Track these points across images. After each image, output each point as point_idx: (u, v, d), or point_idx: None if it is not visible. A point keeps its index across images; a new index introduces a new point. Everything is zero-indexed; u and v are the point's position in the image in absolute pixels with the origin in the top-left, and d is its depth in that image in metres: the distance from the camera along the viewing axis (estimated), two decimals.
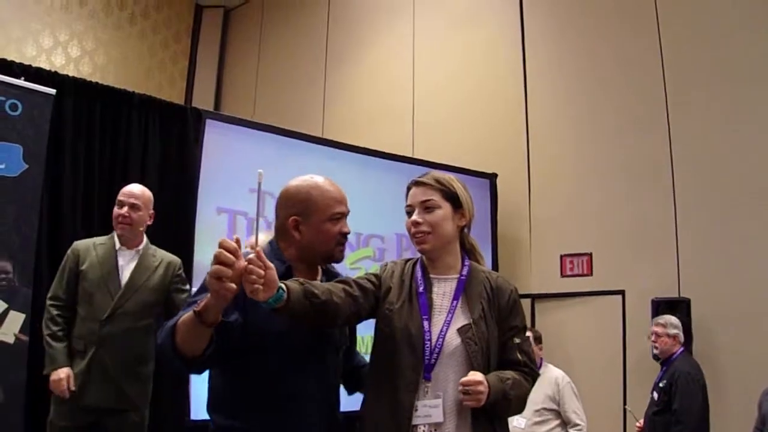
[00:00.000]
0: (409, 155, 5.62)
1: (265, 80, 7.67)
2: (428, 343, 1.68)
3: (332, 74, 7.03)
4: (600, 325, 4.89)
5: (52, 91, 3.73)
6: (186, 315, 1.52)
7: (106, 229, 3.27)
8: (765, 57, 4.44)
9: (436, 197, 1.79)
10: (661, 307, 4.37)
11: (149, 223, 3.15)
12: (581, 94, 5.32)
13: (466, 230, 1.88)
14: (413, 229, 1.79)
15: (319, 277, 1.84)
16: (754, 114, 4.44)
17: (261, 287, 1.44)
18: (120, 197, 3.08)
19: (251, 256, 1.44)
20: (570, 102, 5.39)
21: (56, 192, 4.23)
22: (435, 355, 1.67)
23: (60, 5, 6.88)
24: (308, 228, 1.77)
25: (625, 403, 4.64)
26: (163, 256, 3.16)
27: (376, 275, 1.82)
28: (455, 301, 1.75)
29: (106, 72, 7.06)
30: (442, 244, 1.80)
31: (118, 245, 3.05)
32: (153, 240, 3.21)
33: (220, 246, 1.43)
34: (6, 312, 3.29)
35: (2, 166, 3.43)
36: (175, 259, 3.19)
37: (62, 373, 2.82)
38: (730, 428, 3.98)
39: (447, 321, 1.72)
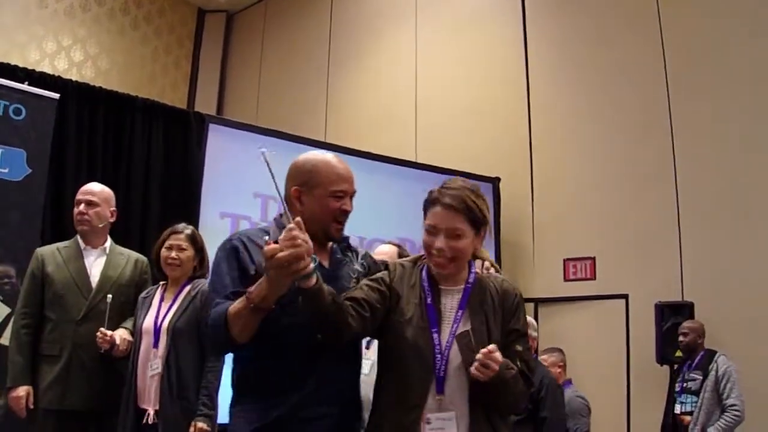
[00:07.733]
0: (412, 159, 5.60)
1: (267, 84, 7.67)
2: (439, 356, 1.66)
3: (335, 79, 7.04)
4: (603, 329, 4.88)
5: (56, 95, 3.74)
6: (239, 306, 1.57)
7: (111, 233, 3.23)
8: (766, 62, 4.44)
9: (464, 226, 1.70)
10: (665, 310, 4.37)
11: (112, 220, 3.05)
12: (584, 99, 5.32)
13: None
14: (435, 254, 1.71)
15: (328, 257, 1.81)
16: (756, 118, 4.44)
17: (306, 255, 1.45)
18: (77, 196, 3.00)
19: (292, 224, 1.48)
20: (573, 106, 5.38)
21: (59, 196, 4.24)
22: (443, 367, 1.66)
23: (63, 10, 6.90)
24: (310, 200, 1.76)
25: (629, 409, 4.63)
26: (130, 254, 3.08)
27: (385, 283, 1.75)
28: (461, 311, 1.73)
29: (109, 76, 7.06)
30: (460, 269, 1.77)
31: (83, 245, 2.96)
32: (154, 243, 3.16)
33: (292, 229, 1.47)
34: (10, 316, 3.29)
35: (6, 171, 3.45)
36: (142, 257, 3.11)
37: (21, 391, 2.71)
38: (736, 429, 3.95)
39: (452, 332, 1.70)
